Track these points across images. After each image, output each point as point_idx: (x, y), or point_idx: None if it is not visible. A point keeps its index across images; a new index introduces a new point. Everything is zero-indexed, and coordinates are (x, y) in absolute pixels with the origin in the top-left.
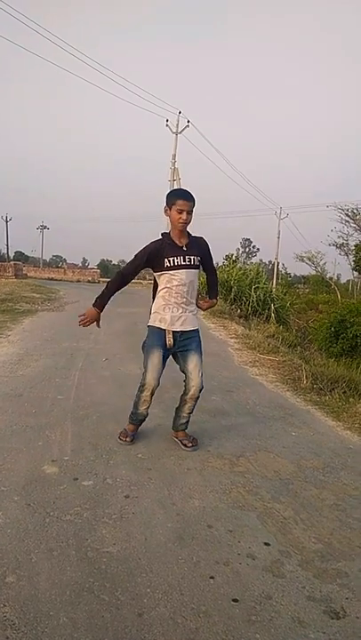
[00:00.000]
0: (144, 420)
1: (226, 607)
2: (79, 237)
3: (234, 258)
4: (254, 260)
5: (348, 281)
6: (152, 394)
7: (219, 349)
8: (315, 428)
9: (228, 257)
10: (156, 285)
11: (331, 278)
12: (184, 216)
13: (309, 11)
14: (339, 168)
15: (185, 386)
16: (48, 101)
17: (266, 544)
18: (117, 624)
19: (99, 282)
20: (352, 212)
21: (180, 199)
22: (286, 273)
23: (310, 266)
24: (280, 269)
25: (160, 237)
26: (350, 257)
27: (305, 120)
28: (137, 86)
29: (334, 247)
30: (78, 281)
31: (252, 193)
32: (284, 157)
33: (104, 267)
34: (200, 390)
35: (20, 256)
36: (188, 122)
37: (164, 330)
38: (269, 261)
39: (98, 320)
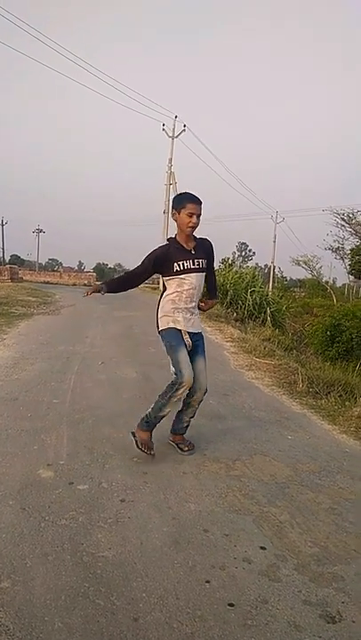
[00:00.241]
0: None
1: (222, 611)
2: (75, 241)
3: (230, 261)
4: (250, 263)
5: (344, 285)
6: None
7: (215, 353)
8: (311, 431)
9: (224, 261)
10: (163, 291)
11: (327, 282)
12: (194, 219)
13: (309, 11)
14: (337, 172)
15: (190, 389)
16: (46, 105)
17: (262, 548)
18: (113, 629)
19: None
20: (348, 216)
21: (189, 202)
22: (282, 277)
23: (306, 270)
24: (276, 273)
25: (166, 243)
26: (346, 261)
27: (303, 122)
28: (134, 91)
29: (330, 251)
30: (74, 284)
31: (248, 197)
32: (281, 161)
33: (100, 270)
34: (205, 393)
35: (15, 259)
36: (185, 126)
37: (180, 330)
38: (265, 265)
39: (98, 292)
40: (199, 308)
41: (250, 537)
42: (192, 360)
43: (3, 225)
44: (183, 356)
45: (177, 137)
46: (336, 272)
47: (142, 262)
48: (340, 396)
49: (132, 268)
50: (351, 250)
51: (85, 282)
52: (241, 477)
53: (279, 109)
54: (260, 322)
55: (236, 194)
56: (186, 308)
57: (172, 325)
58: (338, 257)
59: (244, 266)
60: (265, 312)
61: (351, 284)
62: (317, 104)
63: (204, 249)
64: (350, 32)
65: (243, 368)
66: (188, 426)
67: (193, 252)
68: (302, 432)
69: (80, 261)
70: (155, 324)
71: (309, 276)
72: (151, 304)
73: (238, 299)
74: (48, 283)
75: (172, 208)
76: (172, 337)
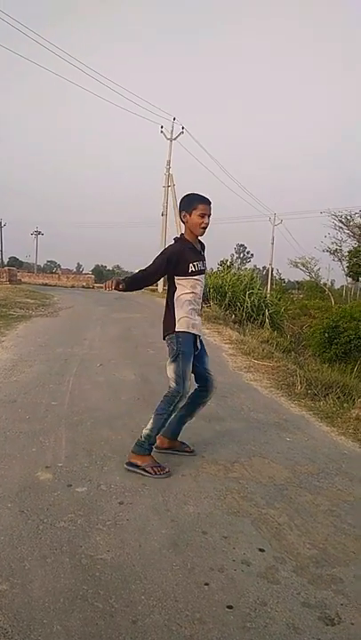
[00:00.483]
0: None
1: (221, 614)
2: (73, 243)
3: (228, 263)
4: (248, 265)
5: (342, 287)
6: None
7: (213, 355)
8: (309, 433)
9: (222, 262)
10: (172, 290)
11: (325, 284)
12: (206, 220)
13: (309, 11)
14: (336, 173)
15: (202, 390)
16: (44, 107)
17: (260, 550)
18: (111, 632)
19: (93, 287)
20: (346, 218)
21: (200, 203)
22: (280, 279)
23: (304, 272)
24: (274, 275)
25: (178, 242)
26: (344, 263)
27: (303, 123)
28: (133, 93)
29: (328, 253)
30: (73, 286)
31: (246, 199)
32: (280, 162)
33: (98, 272)
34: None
35: (14, 261)
36: (183, 128)
37: (194, 335)
38: (264, 267)
39: (118, 287)
40: None
41: (248, 539)
42: (201, 361)
43: (1, 227)
44: (190, 368)
45: (175, 139)
46: (334, 274)
47: (154, 262)
48: (339, 397)
49: (143, 267)
50: (349, 252)
51: (84, 284)
52: (239, 479)
53: (279, 110)
54: (259, 324)
55: (235, 196)
56: (197, 309)
57: (190, 330)
58: (336, 259)
59: (243, 268)
60: (263, 314)
61: (349, 285)
62: (317, 105)
63: (203, 250)
64: (350, 32)
65: (241, 370)
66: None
67: (201, 254)
68: (301, 434)
69: (78, 263)
70: (154, 325)
71: (307, 278)
72: (151, 306)
73: (237, 301)
74: (46, 285)
75: (181, 210)
76: (187, 344)
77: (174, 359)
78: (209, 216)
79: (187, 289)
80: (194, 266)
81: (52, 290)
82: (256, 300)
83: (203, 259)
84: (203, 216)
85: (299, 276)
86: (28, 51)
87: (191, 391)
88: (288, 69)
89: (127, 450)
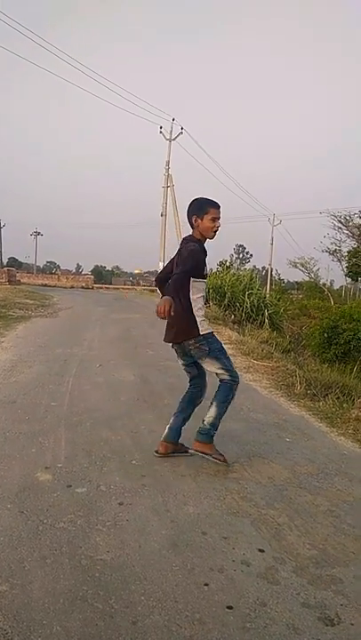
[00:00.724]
0: None
1: (220, 614)
2: (73, 243)
3: (227, 264)
4: (248, 266)
5: (341, 287)
6: None
7: None
8: (309, 433)
9: (221, 263)
10: (186, 292)
11: (324, 284)
12: (217, 223)
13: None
14: (336, 174)
15: (195, 387)
16: (43, 107)
17: (260, 550)
18: (111, 632)
19: (92, 288)
20: (345, 218)
21: (212, 207)
22: (280, 279)
23: (304, 272)
24: (273, 275)
25: (195, 242)
26: (343, 263)
27: (303, 123)
28: (132, 94)
29: (327, 253)
30: (72, 287)
31: (246, 199)
32: (280, 163)
33: (98, 273)
34: None
35: (13, 262)
36: (182, 129)
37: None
38: (263, 267)
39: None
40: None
41: (248, 539)
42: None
43: (0, 227)
44: (229, 357)
45: (174, 139)
46: (333, 274)
47: (191, 260)
48: (338, 398)
49: (177, 270)
50: (348, 252)
51: (83, 284)
52: (239, 480)
53: (279, 110)
54: (258, 324)
55: (234, 196)
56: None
57: (211, 329)
58: (335, 259)
59: (242, 268)
60: (263, 314)
61: (348, 286)
62: (318, 105)
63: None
64: (351, 32)
65: (241, 370)
66: None
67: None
68: (300, 434)
69: (78, 264)
70: (154, 326)
71: (307, 279)
72: (150, 306)
73: (236, 301)
74: (46, 285)
75: (192, 214)
76: (217, 341)
77: (215, 356)
78: (219, 219)
79: (200, 291)
80: (207, 268)
81: (51, 290)
82: (255, 301)
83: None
84: (214, 220)
85: (298, 276)
86: (27, 51)
87: (184, 393)
88: (288, 70)
89: (127, 450)
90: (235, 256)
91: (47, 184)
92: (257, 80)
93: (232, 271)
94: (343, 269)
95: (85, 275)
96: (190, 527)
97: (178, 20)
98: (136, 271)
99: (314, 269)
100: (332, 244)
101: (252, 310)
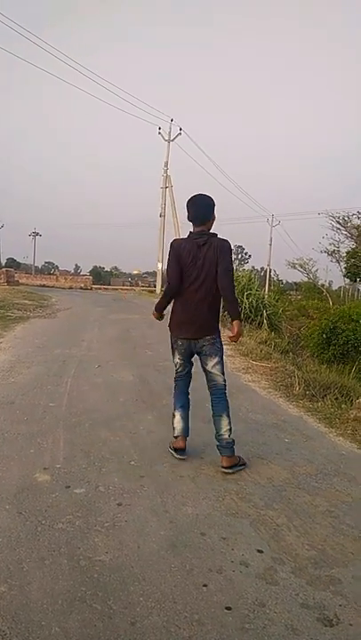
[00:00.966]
0: None
1: (219, 615)
2: (71, 244)
3: None
4: (246, 266)
5: (340, 288)
6: None
7: None
8: (307, 434)
9: None
10: (215, 289)
11: (322, 285)
12: None
13: (309, 11)
14: (334, 175)
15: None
16: (42, 107)
17: (259, 551)
18: (110, 633)
19: (91, 288)
20: (343, 219)
21: None
22: (278, 280)
23: (302, 273)
24: (272, 276)
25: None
26: (342, 264)
27: (303, 124)
28: (130, 94)
29: (326, 254)
30: (70, 288)
31: (244, 200)
32: (277, 164)
33: (97, 273)
34: None
35: (11, 263)
36: (181, 129)
37: None
38: (261, 268)
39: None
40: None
41: (247, 540)
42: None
43: None
44: None
45: (173, 140)
46: (332, 275)
47: (230, 256)
48: (337, 398)
49: (229, 268)
50: (347, 253)
51: (82, 285)
52: (238, 480)
53: (278, 111)
54: (257, 325)
55: (232, 197)
56: None
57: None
58: (334, 260)
59: (241, 269)
60: (261, 315)
61: (347, 286)
62: (318, 105)
63: None
64: (351, 32)
65: (239, 371)
66: None
67: None
68: (299, 435)
69: (76, 264)
70: (152, 327)
71: (305, 279)
72: (148, 307)
73: None
74: (44, 286)
75: (213, 210)
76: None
77: (222, 355)
78: None
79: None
80: None
81: (49, 291)
82: (254, 301)
83: None
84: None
85: (297, 277)
86: (26, 52)
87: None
88: (288, 70)
89: (125, 451)
90: (233, 257)
91: (46, 184)
92: (257, 80)
93: None
94: (342, 270)
95: (84, 275)
96: (189, 528)
97: (178, 20)
98: (135, 272)
99: (312, 270)
100: (330, 244)
101: (250, 311)
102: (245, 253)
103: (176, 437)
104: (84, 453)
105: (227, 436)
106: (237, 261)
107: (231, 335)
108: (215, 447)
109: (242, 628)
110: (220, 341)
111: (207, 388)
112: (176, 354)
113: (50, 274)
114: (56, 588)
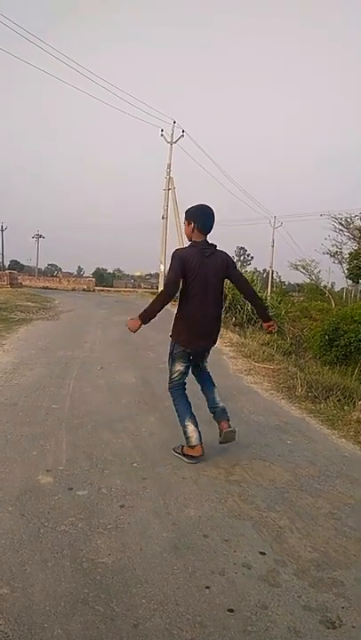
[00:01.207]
0: None
1: (221, 617)
2: (74, 246)
3: None
4: (249, 268)
5: (343, 289)
6: None
7: (213, 358)
8: (310, 436)
9: None
10: (224, 295)
11: (325, 286)
12: None
13: (308, 11)
14: (336, 176)
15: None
16: (44, 110)
17: (261, 553)
18: (112, 635)
19: (94, 290)
20: (346, 220)
21: None
22: (281, 281)
23: (305, 274)
24: (275, 278)
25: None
26: (344, 265)
27: (303, 124)
28: (133, 97)
29: (328, 255)
30: (73, 290)
31: (247, 202)
32: (280, 165)
33: (99, 275)
34: None
35: (15, 265)
36: (183, 131)
37: None
38: (264, 270)
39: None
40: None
41: (249, 542)
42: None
43: (2, 230)
44: None
45: (175, 142)
46: (334, 276)
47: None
48: (339, 400)
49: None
50: (349, 254)
51: (85, 287)
52: (240, 482)
53: (280, 112)
54: (259, 326)
55: (235, 198)
56: None
57: None
58: (336, 261)
59: (243, 270)
60: None
61: (349, 288)
62: (318, 106)
63: None
64: (351, 32)
65: (242, 372)
66: None
67: None
68: (301, 437)
69: (79, 266)
70: (155, 328)
71: (308, 281)
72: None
73: (237, 303)
74: (47, 288)
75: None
76: None
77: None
78: None
79: None
80: None
81: (52, 293)
82: None
83: None
84: None
85: (299, 278)
86: (26, 53)
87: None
88: (288, 70)
89: (128, 453)
90: (236, 258)
91: (49, 187)
92: (257, 80)
93: None
94: (344, 271)
95: (87, 277)
96: (191, 530)
97: (178, 20)
98: (137, 274)
99: (315, 271)
100: (333, 246)
101: (253, 313)
102: (248, 255)
103: (194, 447)
104: (87, 455)
105: (221, 404)
106: (240, 263)
107: (272, 326)
108: (216, 449)
109: (244, 631)
110: None
111: (194, 374)
112: (180, 363)
113: (53, 276)
114: (59, 590)
